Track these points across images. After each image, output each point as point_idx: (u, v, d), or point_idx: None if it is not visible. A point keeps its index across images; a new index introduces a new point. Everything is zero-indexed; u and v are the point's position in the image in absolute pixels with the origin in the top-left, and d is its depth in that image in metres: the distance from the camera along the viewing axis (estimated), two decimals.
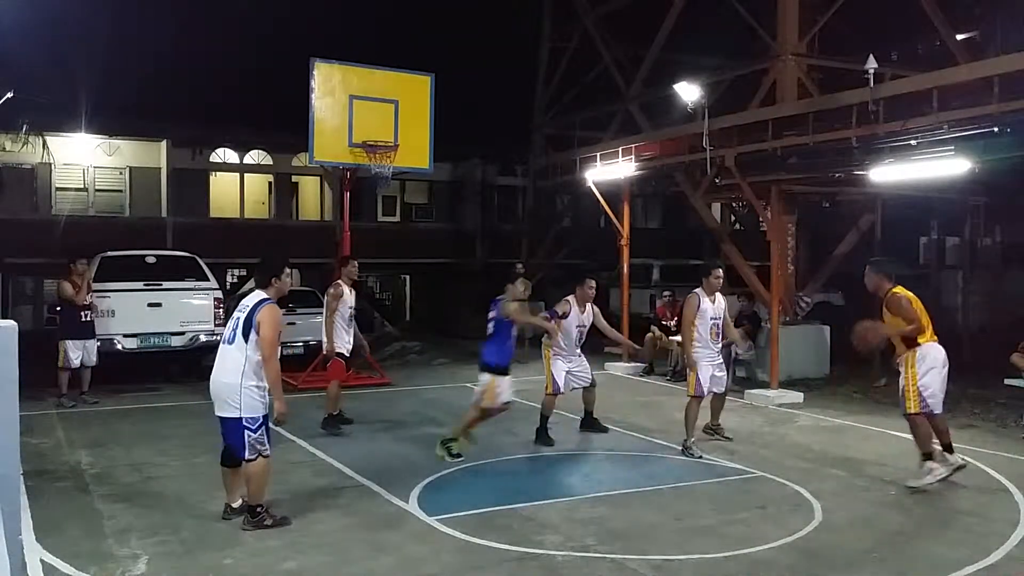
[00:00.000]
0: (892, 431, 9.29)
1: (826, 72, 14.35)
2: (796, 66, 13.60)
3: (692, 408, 8.15)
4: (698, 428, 8.31)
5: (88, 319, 11.00)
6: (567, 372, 8.87)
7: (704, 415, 8.54)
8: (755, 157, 12.17)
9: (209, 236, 19.30)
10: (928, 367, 7.02)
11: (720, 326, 8.32)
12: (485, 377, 7.78)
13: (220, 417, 5.81)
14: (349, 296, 9.34)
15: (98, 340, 11.18)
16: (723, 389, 8.63)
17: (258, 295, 5.94)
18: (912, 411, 6.98)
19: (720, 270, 8.37)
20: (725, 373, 8.71)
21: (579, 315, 8.83)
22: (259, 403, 5.75)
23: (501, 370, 7.80)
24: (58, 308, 11.31)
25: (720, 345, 8.44)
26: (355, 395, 11.75)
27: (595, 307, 9.02)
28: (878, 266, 7.35)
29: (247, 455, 5.73)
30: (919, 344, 7.00)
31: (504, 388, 7.78)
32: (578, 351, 9.04)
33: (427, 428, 9.33)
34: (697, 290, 8.29)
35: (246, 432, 5.70)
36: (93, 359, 10.99)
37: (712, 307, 8.22)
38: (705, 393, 8.24)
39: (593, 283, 8.91)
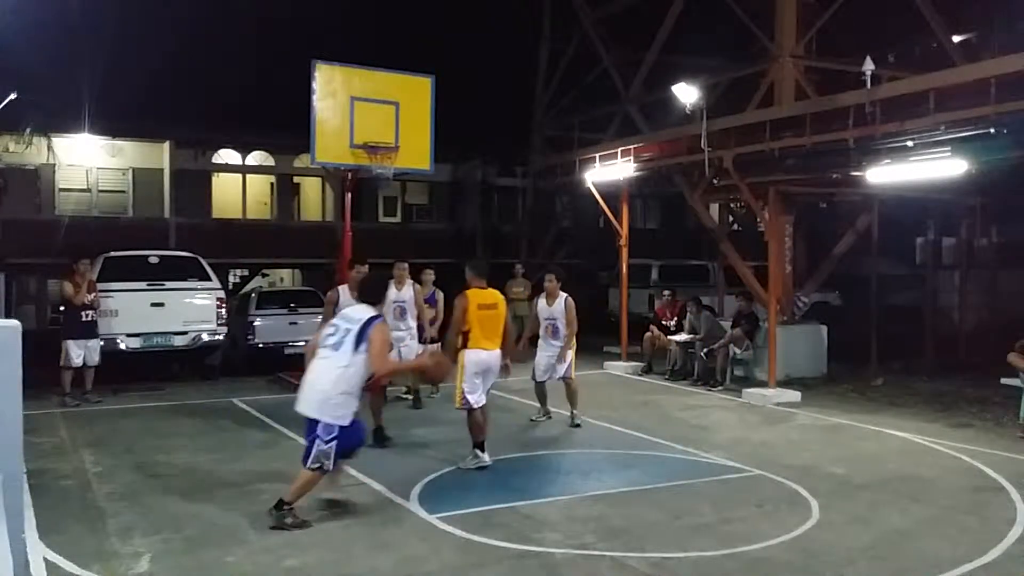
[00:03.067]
0: (889, 430, 9.35)
1: (823, 74, 14.41)
2: (794, 68, 13.66)
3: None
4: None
5: (90, 319, 11.04)
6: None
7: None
8: (753, 158, 12.21)
9: (211, 236, 19.37)
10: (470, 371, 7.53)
11: (556, 324, 9.37)
12: None
13: (305, 416, 5.94)
14: (346, 298, 9.07)
15: (101, 340, 11.23)
16: (558, 377, 9.45)
17: (368, 311, 6.06)
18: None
19: (553, 275, 9.47)
20: (565, 363, 9.41)
21: (547, 308, 9.51)
22: (343, 413, 5.85)
23: None
24: (61, 308, 11.36)
25: (560, 341, 9.35)
26: None
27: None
28: (470, 266, 8.03)
29: (310, 463, 5.84)
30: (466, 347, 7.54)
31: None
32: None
33: (427, 428, 9.38)
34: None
35: (317, 440, 5.80)
36: (96, 358, 11.04)
37: (548, 309, 9.49)
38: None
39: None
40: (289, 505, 5.89)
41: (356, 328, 5.90)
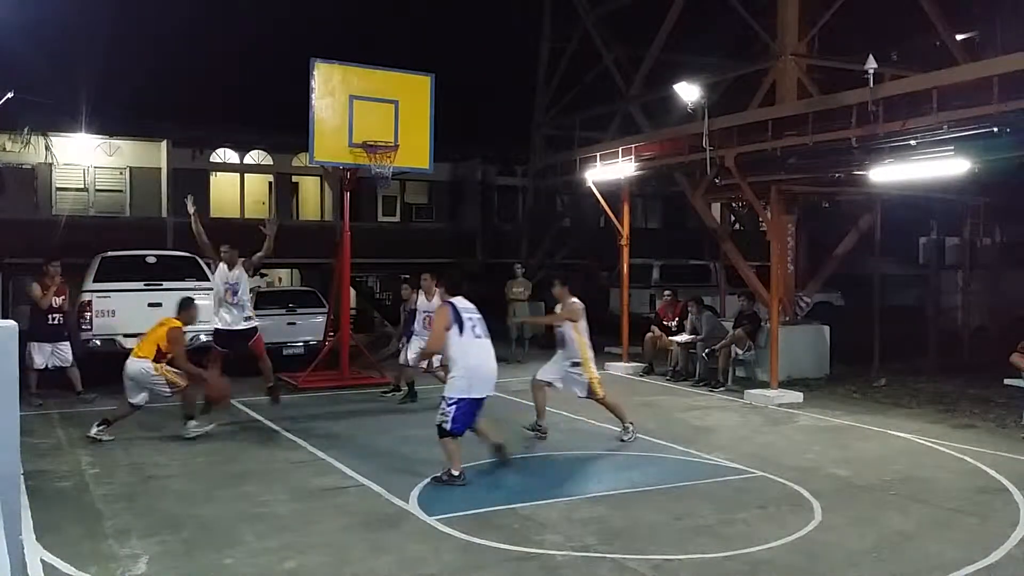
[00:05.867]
0: (892, 431, 9.31)
1: (826, 72, 14.36)
2: (796, 66, 13.61)
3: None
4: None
5: (57, 322, 10.95)
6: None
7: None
8: (755, 157, 12.17)
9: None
10: None
11: (564, 332, 8.89)
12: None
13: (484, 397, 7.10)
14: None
15: (99, 340, 11.15)
16: (579, 396, 8.97)
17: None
18: None
19: (557, 280, 9.21)
20: (581, 381, 8.81)
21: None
22: None
23: None
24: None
25: (569, 351, 8.82)
26: (356, 395, 11.78)
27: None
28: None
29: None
30: None
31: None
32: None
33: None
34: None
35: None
36: (68, 358, 10.95)
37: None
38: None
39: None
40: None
41: (480, 315, 7.22)
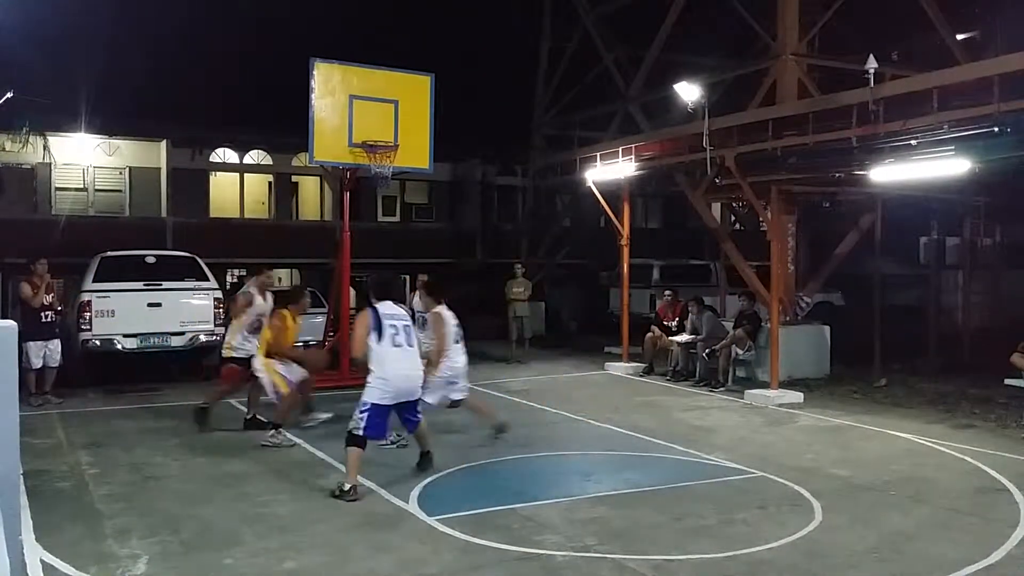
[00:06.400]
0: (892, 431, 9.30)
1: (826, 72, 14.36)
2: (796, 66, 13.60)
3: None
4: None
5: (49, 320, 10.95)
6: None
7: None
8: (755, 157, 12.16)
9: (209, 236, 19.29)
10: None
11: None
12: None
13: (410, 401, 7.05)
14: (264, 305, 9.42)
15: (98, 340, 11.14)
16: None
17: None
18: None
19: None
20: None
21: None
22: None
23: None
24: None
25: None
26: (355, 395, 11.72)
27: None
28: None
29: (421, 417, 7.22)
30: None
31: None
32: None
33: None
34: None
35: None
36: (56, 359, 10.95)
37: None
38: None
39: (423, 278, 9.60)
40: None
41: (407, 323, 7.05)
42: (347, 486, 6.59)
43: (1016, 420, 9.57)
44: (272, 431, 8.47)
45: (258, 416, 9.24)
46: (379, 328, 6.81)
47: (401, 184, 22.97)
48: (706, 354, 12.57)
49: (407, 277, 25.71)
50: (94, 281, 12.36)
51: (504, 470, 7.68)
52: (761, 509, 6.46)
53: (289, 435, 8.65)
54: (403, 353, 6.89)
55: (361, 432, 6.69)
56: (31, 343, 10.66)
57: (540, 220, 21.13)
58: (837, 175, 12.14)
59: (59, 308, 11.21)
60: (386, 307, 7.00)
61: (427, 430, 7.49)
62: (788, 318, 13.18)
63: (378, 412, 6.80)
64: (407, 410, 7.14)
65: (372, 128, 11.91)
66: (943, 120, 9.71)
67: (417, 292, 10.90)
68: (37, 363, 10.76)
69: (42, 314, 10.85)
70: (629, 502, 6.61)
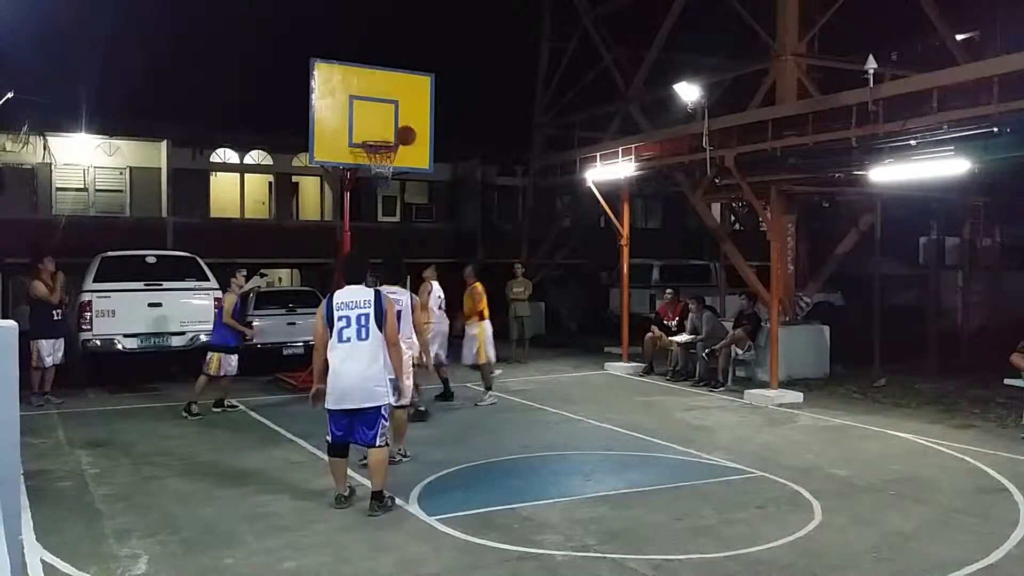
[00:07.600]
0: (892, 431, 9.30)
1: (826, 72, 14.36)
2: (796, 66, 13.60)
3: None
4: None
5: (59, 317, 10.96)
6: None
7: None
8: (755, 157, 12.16)
9: (209, 236, 19.30)
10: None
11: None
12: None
13: (355, 409, 6.15)
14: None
15: (99, 340, 11.14)
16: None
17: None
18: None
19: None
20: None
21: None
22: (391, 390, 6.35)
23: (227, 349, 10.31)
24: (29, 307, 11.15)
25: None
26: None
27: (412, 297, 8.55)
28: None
29: (379, 442, 6.21)
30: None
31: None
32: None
33: (426, 428, 9.32)
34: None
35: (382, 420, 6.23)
36: (60, 357, 10.94)
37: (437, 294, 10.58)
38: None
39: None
40: (384, 492, 6.26)
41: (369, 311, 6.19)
42: (335, 494, 6.45)
43: (1016, 420, 9.58)
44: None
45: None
46: (330, 320, 6.16)
47: (401, 184, 22.97)
48: (706, 354, 12.58)
49: (407, 277, 25.78)
50: (94, 281, 12.37)
51: (504, 470, 7.68)
52: (761, 509, 6.46)
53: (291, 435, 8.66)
54: (349, 350, 6.09)
55: (328, 439, 6.33)
56: (43, 341, 10.65)
57: (540, 220, 21.13)
58: (837, 175, 12.15)
59: (67, 303, 11.20)
60: (345, 294, 6.22)
61: (382, 463, 6.26)
62: (788, 318, 13.19)
63: (331, 418, 6.22)
64: (360, 421, 6.17)
65: (372, 128, 11.91)
66: (942, 120, 9.71)
67: (430, 282, 10.86)
68: (49, 361, 10.73)
69: (53, 312, 10.84)
70: (629, 502, 6.62)
